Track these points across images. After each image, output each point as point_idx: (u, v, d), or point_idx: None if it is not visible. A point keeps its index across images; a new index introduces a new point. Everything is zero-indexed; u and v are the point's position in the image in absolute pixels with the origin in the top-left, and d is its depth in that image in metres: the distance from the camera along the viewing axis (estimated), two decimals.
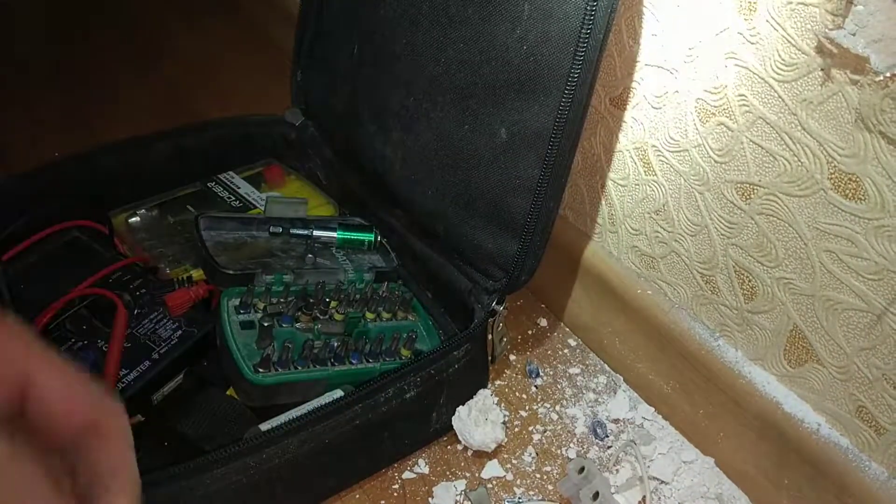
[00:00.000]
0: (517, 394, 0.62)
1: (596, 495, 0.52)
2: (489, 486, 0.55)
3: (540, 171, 0.50)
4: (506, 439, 0.57)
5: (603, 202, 0.59)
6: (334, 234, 0.64)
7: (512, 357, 0.65)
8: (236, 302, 0.55)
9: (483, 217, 0.55)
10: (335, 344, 0.54)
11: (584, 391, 0.62)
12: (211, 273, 0.57)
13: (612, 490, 0.54)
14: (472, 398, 0.57)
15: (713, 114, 0.46)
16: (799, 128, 0.42)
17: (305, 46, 0.70)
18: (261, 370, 0.50)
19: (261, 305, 0.55)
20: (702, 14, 0.44)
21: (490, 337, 0.58)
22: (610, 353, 0.64)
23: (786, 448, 0.51)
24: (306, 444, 0.47)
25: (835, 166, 0.41)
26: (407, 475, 0.55)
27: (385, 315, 0.59)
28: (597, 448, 0.58)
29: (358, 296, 0.58)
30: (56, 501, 0.24)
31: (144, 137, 0.68)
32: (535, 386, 0.62)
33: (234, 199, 0.68)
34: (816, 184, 0.42)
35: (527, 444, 0.58)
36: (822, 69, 0.39)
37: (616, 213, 0.58)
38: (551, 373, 0.64)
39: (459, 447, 0.57)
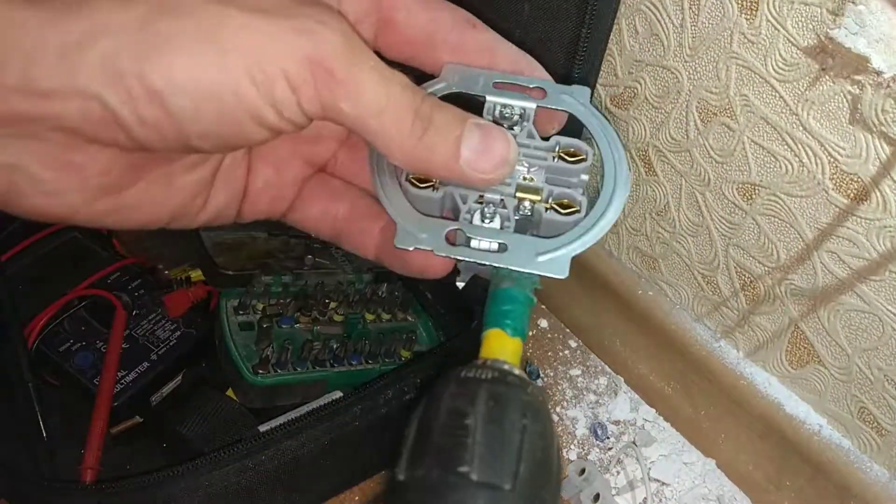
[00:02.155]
0: None
1: (597, 497, 0.52)
2: None
3: None
4: None
5: None
6: None
7: None
8: (235, 303, 0.54)
9: None
10: (334, 345, 0.54)
11: (585, 392, 0.62)
12: (210, 274, 0.57)
13: (613, 492, 0.54)
14: None
15: (714, 114, 0.46)
16: (800, 128, 0.41)
17: None
18: (260, 371, 0.50)
19: (260, 306, 0.55)
20: (703, 14, 0.44)
21: None
22: (611, 355, 0.64)
23: (787, 449, 0.51)
24: (306, 445, 0.47)
25: (836, 167, 0.41)
26: None
27: (384, 316, 0.59)
28: (597, 450, 0.58)
29: (357, 296, 0.58)
30: None
31: None
32: None
33: None
34: (818, 184, 0.42)
35: None
36: (823, 69, 0.39)
37: None
38: (552, 374, 0.63)
39: None
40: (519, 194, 0.28)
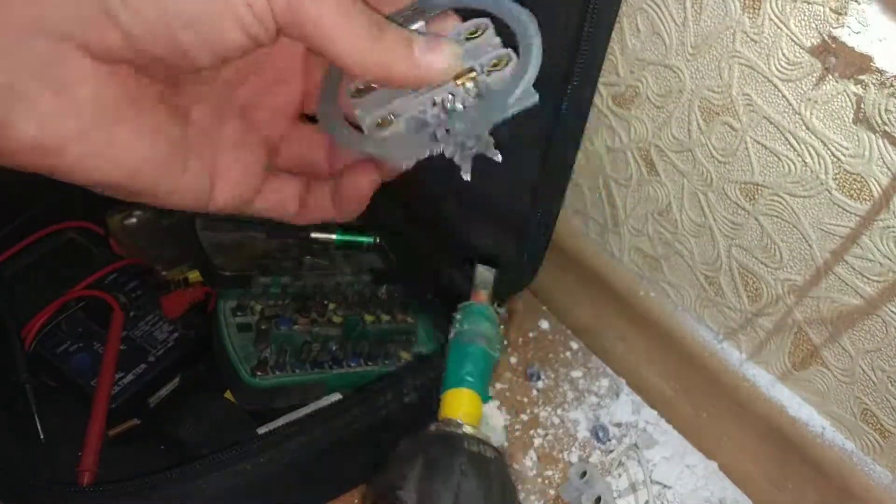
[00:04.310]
0: (518, 397, 0.61)
1: (598, 500, 0.52)
2: None
3: (541, 171, 0.49)
4: (506, 443, 0.57)
5: (605, 202, 0.58)
6: (332, 236, 0.63)
7: (513, 360, 0.64)
8: (233, 304, 0.54)
9: (483, 218, 0.54)
10: (333, 346, 0.53)
11: (587, 394, 0.62)
12: (208, 275, 0.57)
13: (615, 494, 0.54)
14: None
15: (717, 113, 0.45)
16: (803, 127, 0.41)
17: None
18: (258, 373, 0.50)
19: (258, 307, 0.54)
20: (705, 12, 0.43)
21: None
22: (612, 356, 0.63)
23: (790, 451, 0.50)
24: (304, 447, 0.46)
25: (840, 166, 0.40)
26: None
27: (384, 317, 0.58)
28: (599, 452, 0.58)
29: (356, 298, 0.58)
30: None
31: None
32: (537, 389, 0.62)
33: None
34: (821, 184, 0.42)
35: (528, 448, 0.57)
36: (826, 68, 0.39)
37: (618, 214, 0.58)
38: (553, 376, 0.63)
39: None
40: (457, 81, 0.30)
